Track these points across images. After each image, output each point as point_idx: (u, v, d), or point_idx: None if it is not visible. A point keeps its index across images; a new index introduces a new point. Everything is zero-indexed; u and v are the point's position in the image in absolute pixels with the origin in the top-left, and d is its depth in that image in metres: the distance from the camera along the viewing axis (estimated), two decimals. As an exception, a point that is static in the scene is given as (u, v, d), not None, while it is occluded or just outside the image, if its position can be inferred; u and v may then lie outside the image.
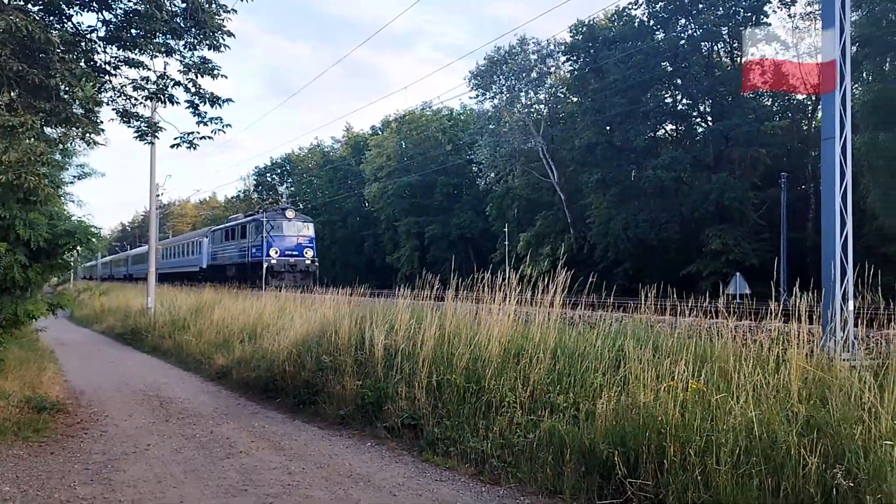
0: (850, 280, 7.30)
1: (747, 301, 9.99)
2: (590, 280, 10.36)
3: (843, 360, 6.05)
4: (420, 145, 59.37)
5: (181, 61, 9.98)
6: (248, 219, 34.96)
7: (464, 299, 9.68)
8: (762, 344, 6.20)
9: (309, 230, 34.06)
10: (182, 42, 9.75)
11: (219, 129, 10.50)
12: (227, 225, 38.18)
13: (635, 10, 40.33)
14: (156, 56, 9.78)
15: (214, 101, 10.23)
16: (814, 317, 6.94)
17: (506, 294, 8.84)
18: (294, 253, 32.01)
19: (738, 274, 25.14)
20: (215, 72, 9.96)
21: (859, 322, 7.16)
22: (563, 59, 45.00)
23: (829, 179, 7.48)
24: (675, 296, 9.06)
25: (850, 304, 7.23)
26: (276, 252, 31.17)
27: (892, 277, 7.79)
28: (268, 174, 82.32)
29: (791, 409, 5.16)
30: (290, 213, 33.68)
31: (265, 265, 30.34)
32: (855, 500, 4.34)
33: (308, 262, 32.32)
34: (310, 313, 12.52)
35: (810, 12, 34.73)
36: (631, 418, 5.78)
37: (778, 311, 7.21)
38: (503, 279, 9.03)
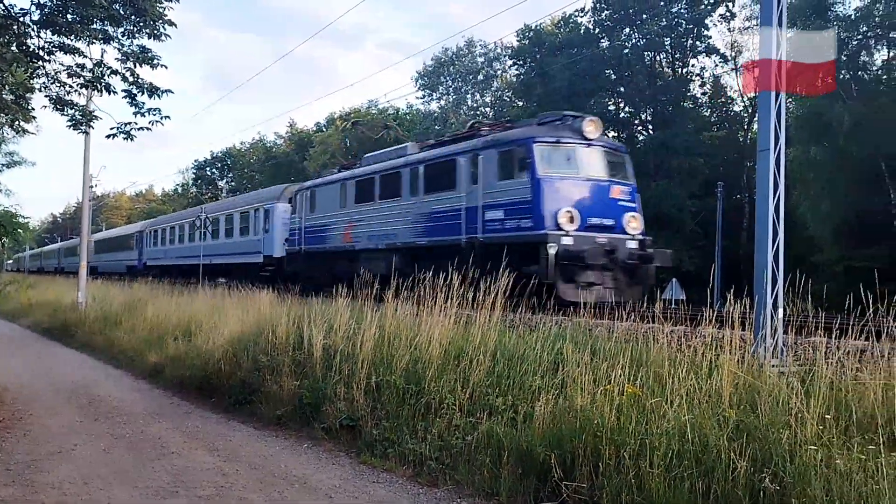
0: (781, 288, 7.53)
1: (683, 307, 10.22)
2: (532, 282, 10.45)
3: (773, 366, 6.24)
4: (365, 143, 59.00)
5: (119, 49, 9.71)
6: (476, 143, 14.84)
7: (405, 300, 9.63)
8: (696, 349, 6.33)
9: (627, 171, 15.24)
10: (121, 29, 9.48)
11: (157, 121, 10.25)
12: (372, 168, 18.36)
13: (581, 17, 41.00)
14: (92, 43, 9.49)
15: (153, 91, 9.99)
16: (746, 323, 7.14)
17: (448, 295, 8.83)
18: (608, 221, 13.48)
19: (674, 280, 25.70)
20: (155, 61, 9.71)
21: (789, 329, 7.39)
22: (509, 62, 45.38)
23: (763, 190, 7.68)
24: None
25: (780, 311, 7.44)
26: (572, 218, 12.87)
27: (820, 286, 8.07)
28: (207, 168, 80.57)
29: (722, 413, 5.28)
30: (589, 128, 13.95)
31: (550, 250, 12.30)
32: (781, 503, 4.46)
33: (634, 242, 13.57)
34: (245, 311, 12.29)
35: (748, 27, 35.87)
36: (568, 421, 5.84)
37: (712, 318, 7.39)
38: (446, 279, 9.02)
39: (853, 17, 29.17)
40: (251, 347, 10.13)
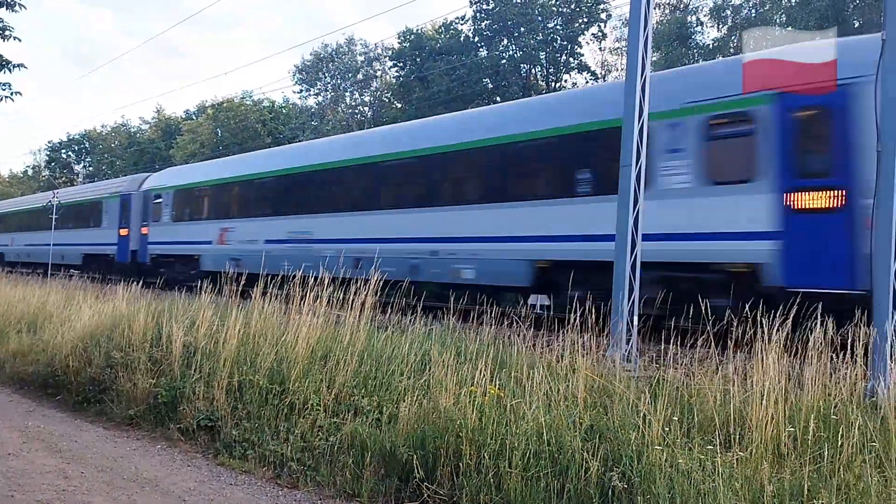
0: (637, 297, 7.97)
1: (547, 312, 10.60)
2: (403, 284, 10.52)
3: (625, 370, 6.59)
4: (237, 135, 56.90)
5: (-35, 16, 8.93)
6: None
7: (274, 298, 9.43)
8: (555, 353, 6.58)
9: None
10: (-33, -5, 8.73)
11: (7, 97, 9.52)
12: None
13: (461, 24, 41.66)
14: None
15: (4, 65, 9.27)
16: (603, 330, 7.49)
17: (318, 294, 8.72)
18: None
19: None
20: (7, 32, 9.02)
21: (643, 336, 7.82)
22: (389, 63, 45.43)
23: (624, 204, 8.12)
24: (484, 303, 9.40)
25: (635, 319, 7.88)
26: None
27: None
28: (63, 150, 75.35)
29: (578, 415, 5.51)
30: None
31: None
32: (628, 500, 4.71)
33: None
34: (101, 305, 11.60)
35: (618, 48, 37.73)
36: (431, 422, 5.90)
37: (572, 324, 7.71)
38: (316, 279, 8.91)
39: (711, 46, 31.34)
40: (104, 343, 9.57)
